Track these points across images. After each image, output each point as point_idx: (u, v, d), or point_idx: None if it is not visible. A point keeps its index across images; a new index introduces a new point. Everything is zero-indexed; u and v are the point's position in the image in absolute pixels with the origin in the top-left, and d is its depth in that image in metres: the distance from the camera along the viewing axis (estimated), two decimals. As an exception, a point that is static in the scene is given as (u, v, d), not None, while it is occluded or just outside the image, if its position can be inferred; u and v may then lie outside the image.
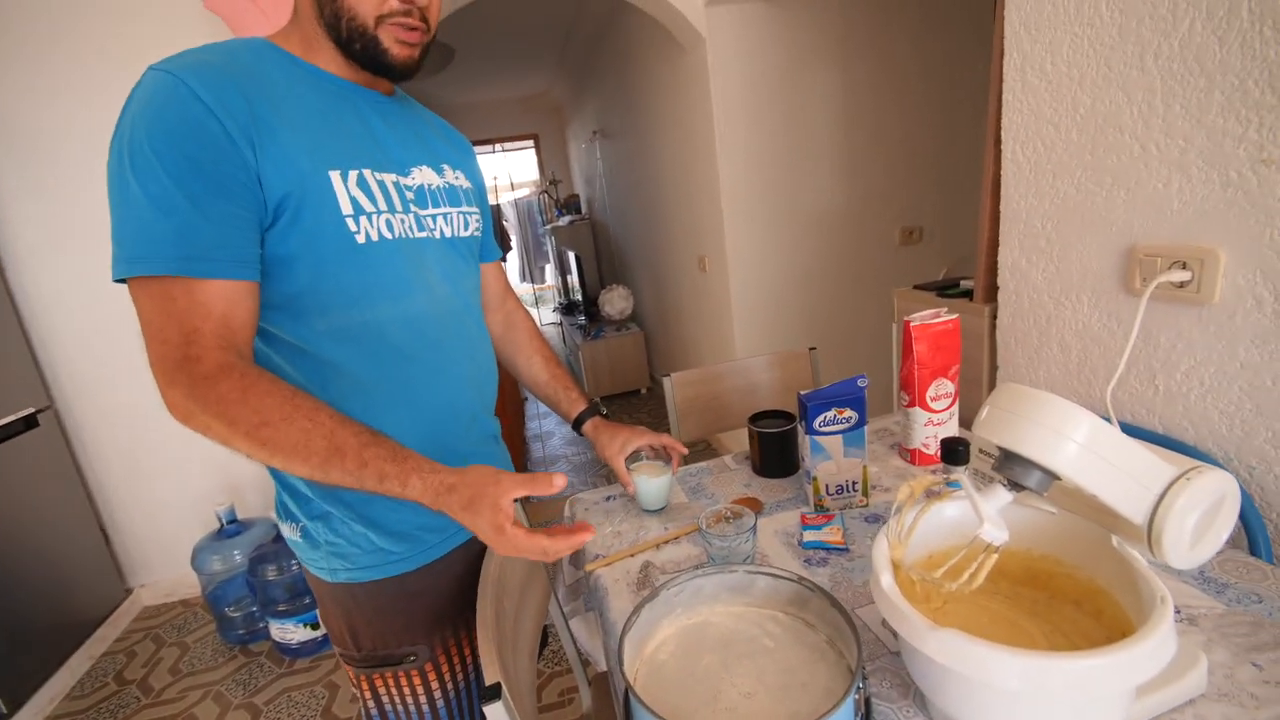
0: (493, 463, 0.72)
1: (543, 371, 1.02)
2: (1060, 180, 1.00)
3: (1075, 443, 0.49)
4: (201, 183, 0.57)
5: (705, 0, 2.16)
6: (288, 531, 0.77)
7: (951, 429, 1.05)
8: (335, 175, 0.65)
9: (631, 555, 0.90)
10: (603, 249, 5.32)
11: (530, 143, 6.65)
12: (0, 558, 1.75)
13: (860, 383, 0.93)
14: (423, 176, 0.76)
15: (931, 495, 0.60)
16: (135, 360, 2.04)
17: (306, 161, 0.62)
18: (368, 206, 0.67)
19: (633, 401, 3.93)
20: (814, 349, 1.55)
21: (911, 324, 1.01)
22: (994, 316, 1.19)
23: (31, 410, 1.95)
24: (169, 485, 2.22)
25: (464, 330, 0.80)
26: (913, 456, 1.06)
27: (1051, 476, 0.51)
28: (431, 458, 0.68)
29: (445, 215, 0.78)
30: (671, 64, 2.61)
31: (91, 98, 1.88)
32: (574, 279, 4.59)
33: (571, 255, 4.53)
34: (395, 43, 0.67)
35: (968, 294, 1.34)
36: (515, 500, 0.59)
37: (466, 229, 0.82)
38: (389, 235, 0.69)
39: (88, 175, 1.93)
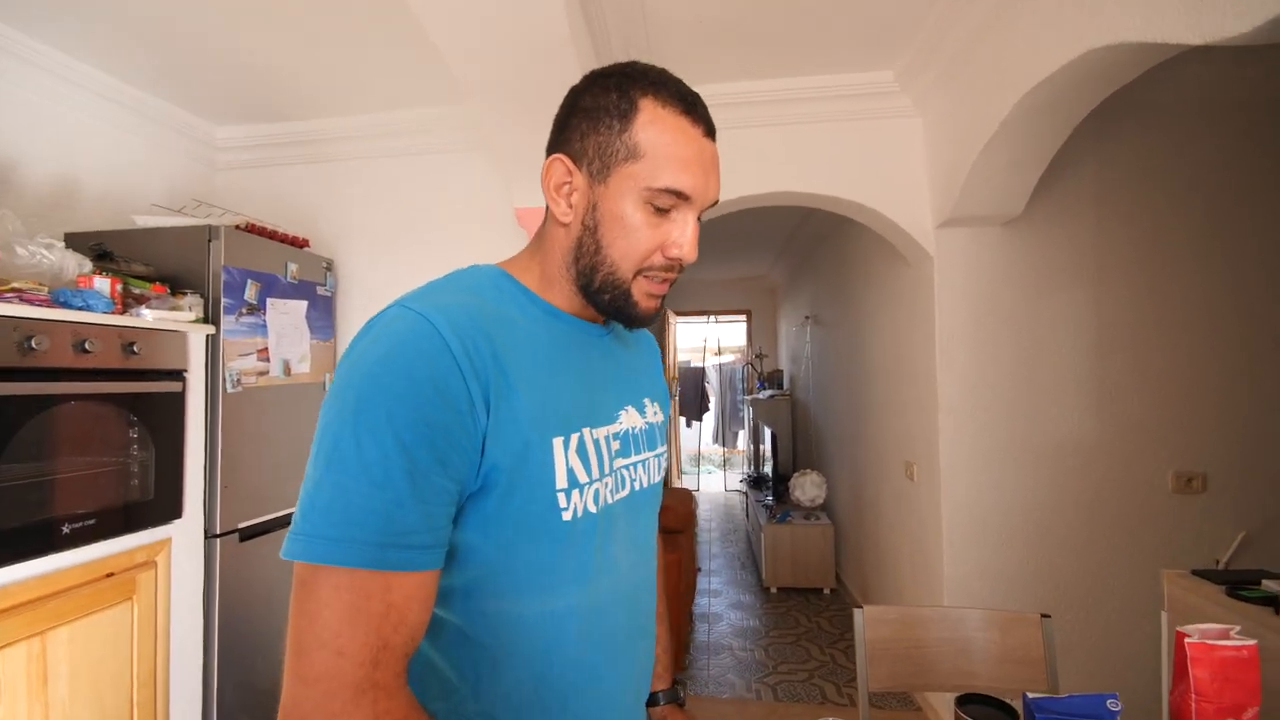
0: None
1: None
2: None
3: None
4: (429, 452, 0.49)
5: (936, 223, 2.24)
6: None
7: (1254, 799, 0.80)
8: (558, 443, 0.57)
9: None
10: (800, 429, 5.25)
11: (743, 317, 7.09)
12: (255, 621, 2.11)
13: (1111, 705, 0.77)
14: (629, 420, 0.69)
15: None
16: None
17: (533, 428, 0.56)
18: (581, 477, 0.59)
19: (814, 602, 3.60)
20: (1048, 617, 1.32)
21: (1189, 641, 0.83)
22: (1319, 648, 0.92)
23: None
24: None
25: (640, 611, 0.70)
26: (1192, 821, 0.82)
27: None
28: None
29: (644, 463, 0.71)
30: (894, 274, 2.68)
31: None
32: (766, 452, 4.56)
33: (768, 431, 4.55)
34: (645, 295, 0.63)
35: (1274, 601, 1.06)
36: None
37: (660, 472, 0.75)
38: (593, 509, 0.60)
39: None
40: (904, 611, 1.39)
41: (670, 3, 1.78)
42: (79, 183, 2.10)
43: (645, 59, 2.03)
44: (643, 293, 0.63)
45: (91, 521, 1.57)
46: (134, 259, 1.87)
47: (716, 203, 0.64)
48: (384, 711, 0.46)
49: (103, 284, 1.59)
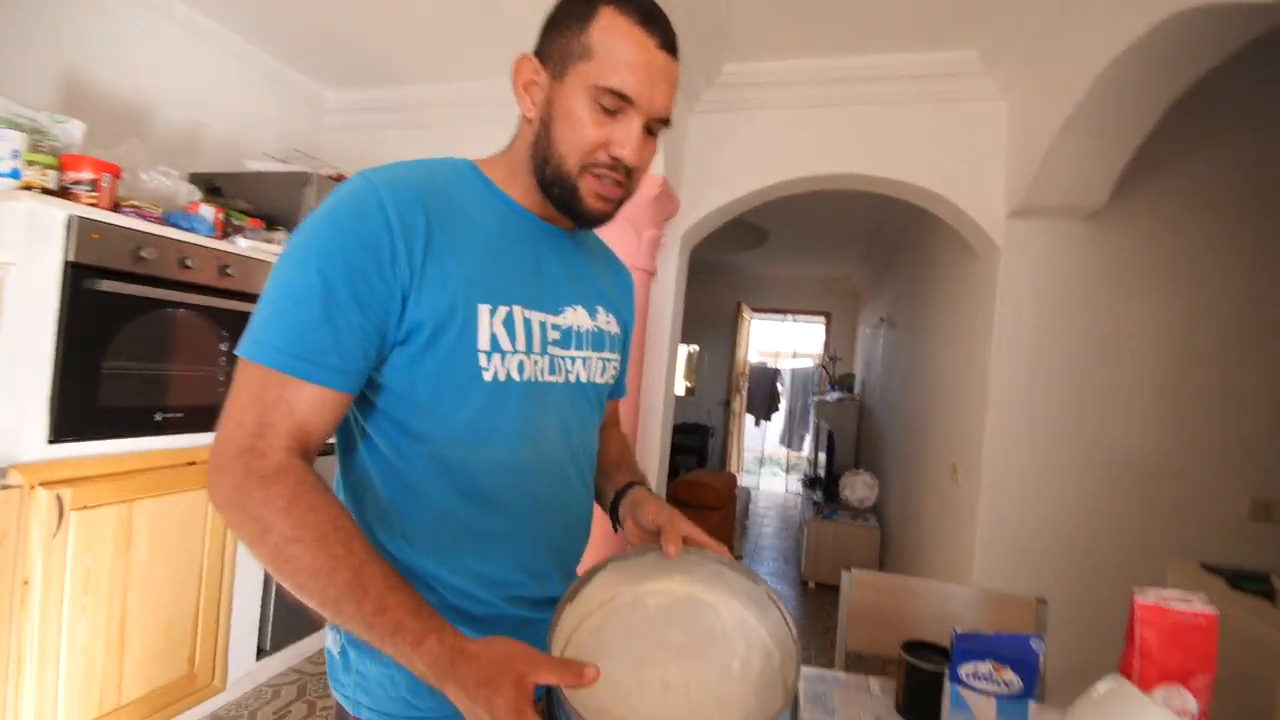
0: (540, 632, 0.63)
1: (611, 448, 0.89)
2: None
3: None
4: (346, 287, 0.57)
5: (1008, 212, 2.12)
6: (329, 641, 0.71)
7: (1194, 771, 0.75)
8: (484, 309, 0.64)
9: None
10: (864, 433, 5.07)
11: (822, 319, 6.91)
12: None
13: (1034, 644, 0.75)
14: (574, 317, 0.74)
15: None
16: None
17: (461, 292, 0.62)
18: (505, 345, 0.65)
19: (851, 603, 3.49)
20: (1044, 602, 1.25)
21: (1140, 601, 0.78)
22: (1315, 640, 0.83)
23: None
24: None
25: (566, 487, 0.75)
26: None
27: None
28: (488, 610, 0.67)
29: (585, 359, 0.76)
30: (962, 269, 2.56)
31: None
32: (825, 454, 4.45)
33: (826, 430, 4.43)
34: (592, 195, 0.67)
35: (1271, 594, 0.96)
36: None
37: (603, 375, 0.80)
38: (516, 377, 0.66)
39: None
40: (893, 579, 1.37)
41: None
42: (203, 130, 2.44)
43: (712, 31, 2.09)
44: (590, 191, 0.67)
45: (180, 415, 1.83)
46: (240, 196, 2.15)
47: (668, 121, 0.67)
48: (255, 466, 0.56)
49: (207, 211, 1.85)
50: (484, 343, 0.63)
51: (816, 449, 5.22)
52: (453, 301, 0.62)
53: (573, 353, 0.74)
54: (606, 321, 0.80)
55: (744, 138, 2.46)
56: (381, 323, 0.60)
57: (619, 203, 0.70)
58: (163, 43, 2.27)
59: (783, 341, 8.06)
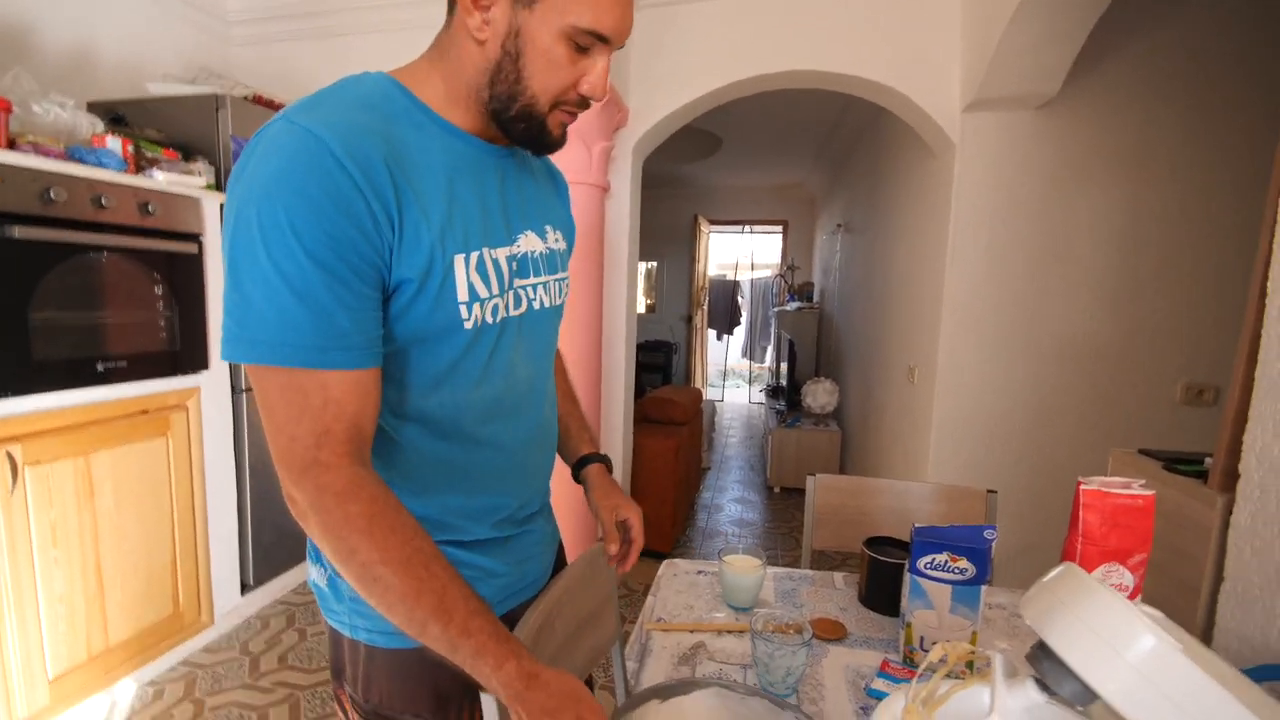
0: (536, 537, 0.81)
1: (559, 406, 0.92)
2: (1344, 357, 0.77)
3: (1129, 666, 0.39)
4: (343, 265, 0.54)
5: (963, 106, 2.09)
6: (314, 575, 0.73)
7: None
8: (460, 260, 0.62)
9: (690, 631, 0.90)
10: (824, 341, 5.21)
11: (779, 228, 6.88)
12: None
13: (987, 534, 0.81)
14: (527, 244, 0.73)
15: (971, 669, 0.52)
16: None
17: (436, 244, 0.60)
18: (482, 292, 0.65)
19: (813, 501, 3.71)
20: (993, 492, 1.35)
21: (1084, 487, 0.85)
22: (1229, 510, 0.93)
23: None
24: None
25: (534, 413, 0.77)
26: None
27: (1091, 694, 0.41)
28: (475, 535, 0.71)
29: (544, 285, 0.75)
30: (920, 167, 2.55)
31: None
32: (786, 365, 4.57)
33: (788, 340, 4.53)
34: (558, 125, 0.67)
35: (1204, 475, 1.06)
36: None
37: (561, 296, 0.80)
38: (490, 320, 0.66)
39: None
40: (854, 481, 1.44)
41: None
42: (95, 51, 2.17)
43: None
44: (556, 123, 0.66)
45: (124, 364, 1.74)
46: (147, 125, 1.95)
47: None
48: (326, 482, 0.55)
49: (115, 144, 1.68)
50: (463, 294, 0.63)
51: (778, 359, 5.35)
52: (430, 256, 0.60)
53: (531, 280, 0.73)
54: (555, 240, 0.79)
55: (691, 35, 2.32)
56: (379, 284, 0.58)
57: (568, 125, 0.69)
58: (27, -55, 1.96)
59: (741, 253, 8.04)
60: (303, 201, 0.52)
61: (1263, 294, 0.89)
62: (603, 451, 0.93)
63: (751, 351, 7.84)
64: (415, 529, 0.57)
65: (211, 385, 2.02)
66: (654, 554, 2.84)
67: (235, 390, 2.12)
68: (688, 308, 6.71)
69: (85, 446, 1.64)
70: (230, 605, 2.13)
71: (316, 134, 0.54)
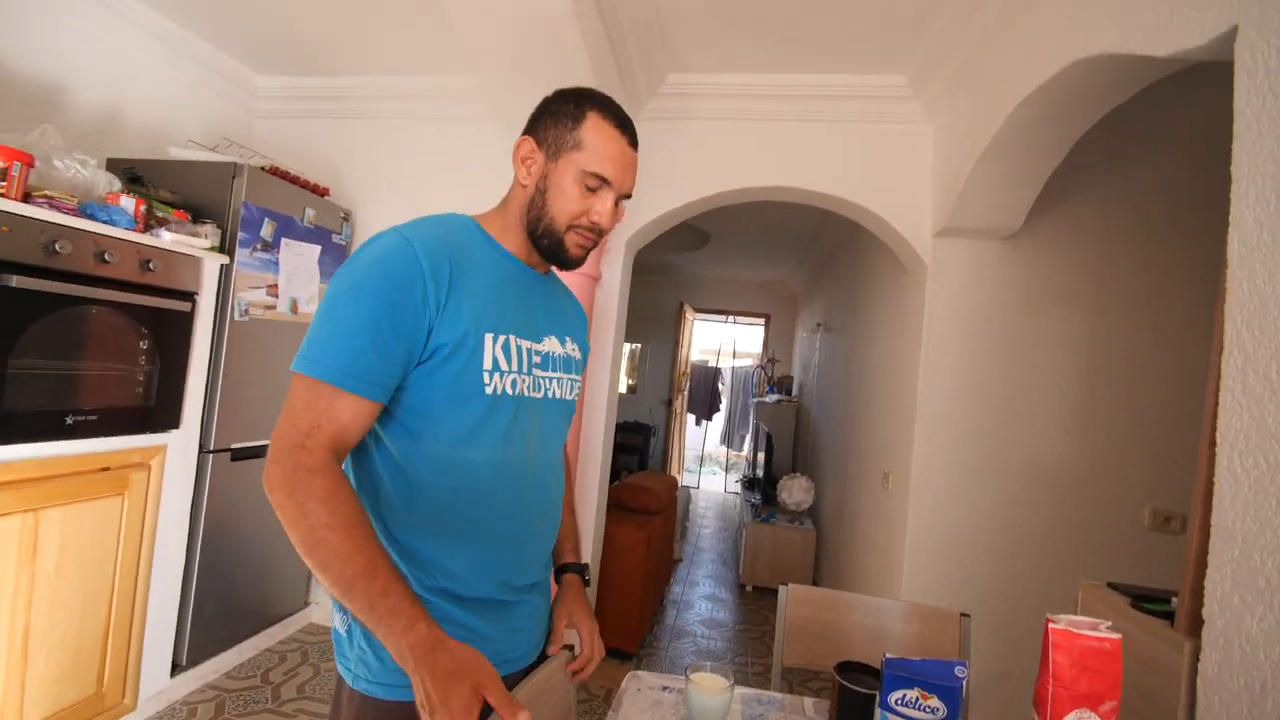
0: (531, 609, 0.91)
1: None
2: (1291, 515, 0.81)
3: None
4: (388, 323, 0.72)
5: (934, 232, 2.24)
6: (336, 623, 0.83)
7: (1091, 782, 0.82)
8: (489, 337, 0.80)
9: (655, 758, 0.86)
10: (801, 436, 5.25)
11: (762, 320, 7.09)
12: (238, 538, 2.25)
13: (958, 671, 0.81)
14: (550, 345, 0.92)
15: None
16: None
17: (472, 323, 0.78)
18: (504, 366, 0.81)
19: (785, 602, 3.61)
20: (967, 616, 1.34)
21: (1053, 626, 0.86)
22: (1195, 657, 0.94)
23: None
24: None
25: (543, 486, 0.90)
26: (1031, 795, 0.85)
27: None
28: (474, 592, 0.82)
29: (559, 380, 0.93)
30: (894, 281, 2.69)
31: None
32: (763, 456, 4.58)
33: (765, 433, 4.56)
34: (575, 245, 0.87)
35: (1171, 616, 1.08)
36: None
37: (571, 393, 0.97)
38: (510, 392, 0.82)
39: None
40: (826, 594, 1.43)
41: (681, -13, 1.83)
42: (124, 112, 2.26)
43: (655, 42, 2.12)
44: (573, 243, 0.88)
45: (94, 417, 1.70)
46: (163, 186, 2.01)
47: (630, 195, 0.90)
48: (304, 464, 0.69)
49: (128, 203, 1.73)
50: (488, 363, 0.80)
51: (756, 449, 5.36)
52: (465, 330, 0.78)
53: (550, 374, 0.91)
54: (572, 349, 0.99)
55: (687, 146, 2.50)
56: (412, 347, 0.75)
57: (590, 250, 0.91)
58: (78, 18, 2.09)
59: (724, 339, 8.22)
60: (379, 274, 0.74)
61: (1212, 444, 0.94)
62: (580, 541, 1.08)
63: (730, 439, 7.85)
64: (361, 508, 0.71)
65: (179, 444, 1.97)
66: (619, 653, 2.72)
67: (203, 450, 2.07)
68: (669, 392, 6.77)
69: (37, 501, 1.57)
70: (157, 688, 1.97)
71: (407, 237, 0.78)
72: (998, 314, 2.19)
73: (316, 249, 2.40)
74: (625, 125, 0.87)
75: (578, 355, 1.00)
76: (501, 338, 0.82)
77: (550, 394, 0.91)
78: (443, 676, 0.62)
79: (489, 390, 0.80)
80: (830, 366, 4.34)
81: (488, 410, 0.80)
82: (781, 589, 1.41)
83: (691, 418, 7.41)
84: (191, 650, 2.10)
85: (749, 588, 3.79)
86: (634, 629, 2.73)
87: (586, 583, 1.04)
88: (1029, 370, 2.18)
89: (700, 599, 3.58)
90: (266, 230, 2.16)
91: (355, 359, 0.71)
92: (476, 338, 0.79)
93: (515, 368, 0.83)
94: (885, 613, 1.40)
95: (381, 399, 0.75)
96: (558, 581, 1.02)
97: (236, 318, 2.09)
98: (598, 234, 0.88)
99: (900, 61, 2.13)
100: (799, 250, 5.11)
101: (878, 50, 2.08)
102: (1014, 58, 1.63)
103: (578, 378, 0.99)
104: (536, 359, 0.88)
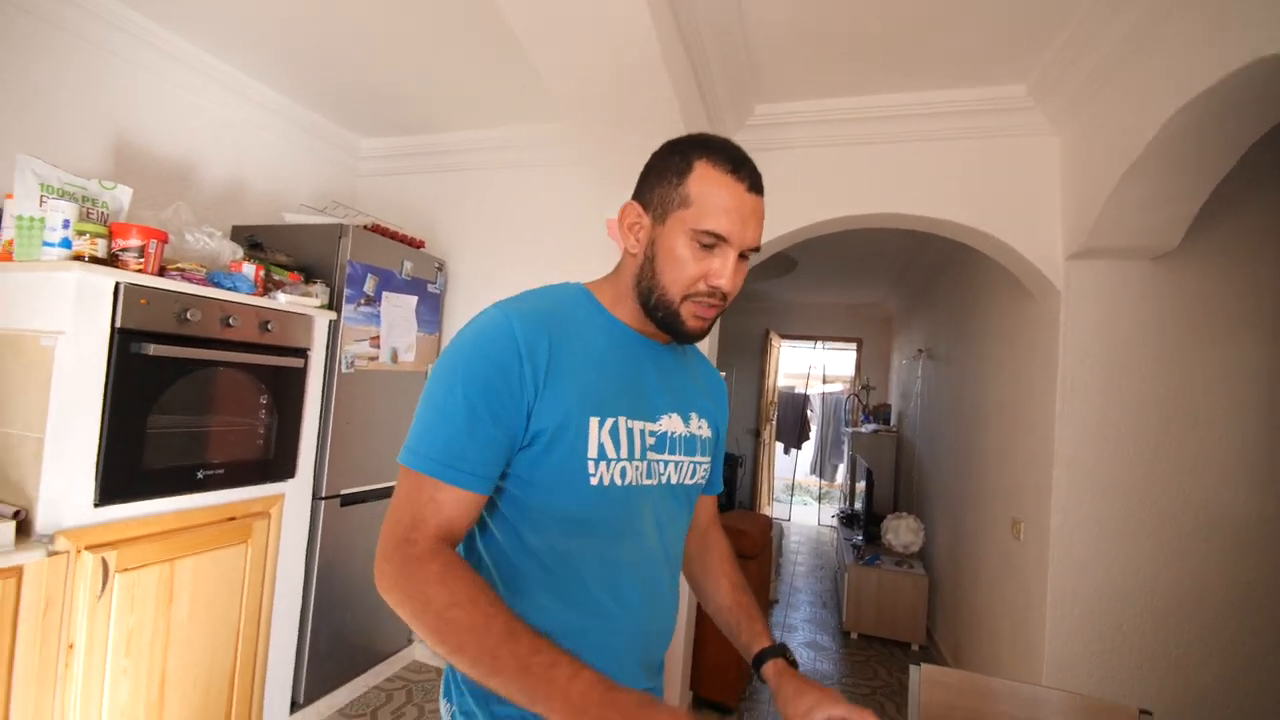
0: None
1: (727, 596, 0.95)
2: None
3: None
4: (485, 407, 0.68)
5: (1067, 254, 2.01)
6: (443, 708, 0.79)
7: None
8: (594, 421, 0.73)
9: None
10: (903, 469, 4.90)
11: (853, 345, 6.76)
12: (347, 578, 2.32)
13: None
14: (669, 424, 0.83)
15: None
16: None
17: (575, 405, 0.72)
18: (610, 453, 0.74)
19: (898, 656, 3.33)
20: (1148, 713, 1.13)
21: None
22: None
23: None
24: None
25: (656, 583, 0.81)
26: None
27: None
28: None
29: (678, 463, 0.84)
30: (1016, 309, 2.45)
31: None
32: (861, 489, 4.30)
33: (865, 467, 4.29)
34: (693, 317, 0.77)
35: None
36: None
37: (693, 477, 0.87)
38: (619, 482, 0.75)
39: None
40: (968, 678, 1.25)
41: (770, 16, 1.76)
42: (244, 182, 2.47)
43: (744, 76, 2.05)
44: (690, 314, 0.78)
45: (222, 471, 1.82)
46: (279, 249, 2.15)
47: (759, 248, 0.77)
48: (412, 555, 0.66)
49: (249, 269, 1.85)
50: (593, 451, 0.73)
51: (853, 482, 5.06)
52: (567, 415, 0.72)
53: (667, 457, 0.82)
54: (699, 426, 0.89)
55: (779, 178, 2.38)
56: (512, 432, 0.71)
57: (714, 320, 0.80)
58: (205, 101, 2.30)
59: (812, 363, 7.90)
60: (475, 356, 0.71)
61: None
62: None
63: (820, 468, 7.50)
64: (483, 583, 0.66)
65: (296, 492, 2.07)
66: (719, 707, 2.58)
67: (315, 496, 2.16)
68: (756, 422, 6.56)
69: (172, 552, 1.68)
70: (278, 725, 2.05)
71: (506, 312, 0.73)
72: (1149, 344, 1.92)
73: (414, 299, 2.49)
74: (740, 167, 0.75)
75: (705, 433, 0.89)
76: (610, 421, 0.75)
77: (666, 479, 0.82)
78: (637, 707, 0.58)
79: (594, 482, 0.73)
80: (937, 397, 4.03)
81: (594, 502, 0.74)
82: (913, 669, 1.26)
83: (779, 445, 7.15)
84: (308, 688, 2.18)
85: (854, 635, 3.52)
86: (733, 681, 2.58)
87: (794, 664, 0.86)
88: (1195, 410, 1.88)
89: (800, 646, 3.36)
90: (369, 285, 2.26)
91: (450, 445, 0.68)
92: (580, 421, 0.73)
93: (625, 454, 0.76)
94: (1040, 704, 1.21)
95: (483, 489, 0.70)
96: (757, 672, 0.86)
97: (344, 370, 2.19)
98: (720, 298, 0.77)
99: (1020, 70, 1.94)
100: (893, 274, 4.84)
101: (994, 60, 1.90)
102: (1170, 61, 1.43)
103: (703, 459, 0.89)
104: (651, 440, 0.80)
